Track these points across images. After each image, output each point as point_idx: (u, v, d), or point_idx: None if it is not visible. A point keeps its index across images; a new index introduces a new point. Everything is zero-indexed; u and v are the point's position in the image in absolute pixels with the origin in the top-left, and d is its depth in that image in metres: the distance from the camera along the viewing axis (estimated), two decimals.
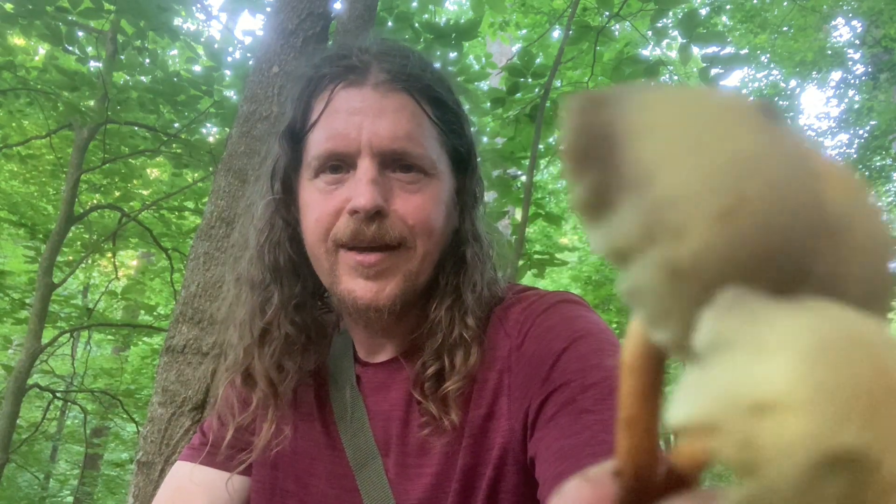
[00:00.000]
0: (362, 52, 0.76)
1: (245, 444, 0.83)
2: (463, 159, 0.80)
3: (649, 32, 3.70)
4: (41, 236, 5.24)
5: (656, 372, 0.21)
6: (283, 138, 0.78)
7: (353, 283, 0.73)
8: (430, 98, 0.76)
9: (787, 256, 0.17)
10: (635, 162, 0.18)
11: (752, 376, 0.15)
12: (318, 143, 0.74)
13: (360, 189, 0.70)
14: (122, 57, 4.11)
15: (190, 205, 5.40)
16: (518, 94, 3.52)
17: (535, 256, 3.78)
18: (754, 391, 0.15)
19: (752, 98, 0.19)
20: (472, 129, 0.83)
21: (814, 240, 0.17)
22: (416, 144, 0.73)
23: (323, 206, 0.73)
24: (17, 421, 4.39)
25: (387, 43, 0.79)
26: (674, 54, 5.94)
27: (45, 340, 4.46)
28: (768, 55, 8.73)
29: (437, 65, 0.83)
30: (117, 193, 5.42)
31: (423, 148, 0.74)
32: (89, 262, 6.21)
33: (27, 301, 5.12)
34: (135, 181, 5.52)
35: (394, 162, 0.73)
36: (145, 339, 6.57)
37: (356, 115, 0.72)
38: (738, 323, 0.16)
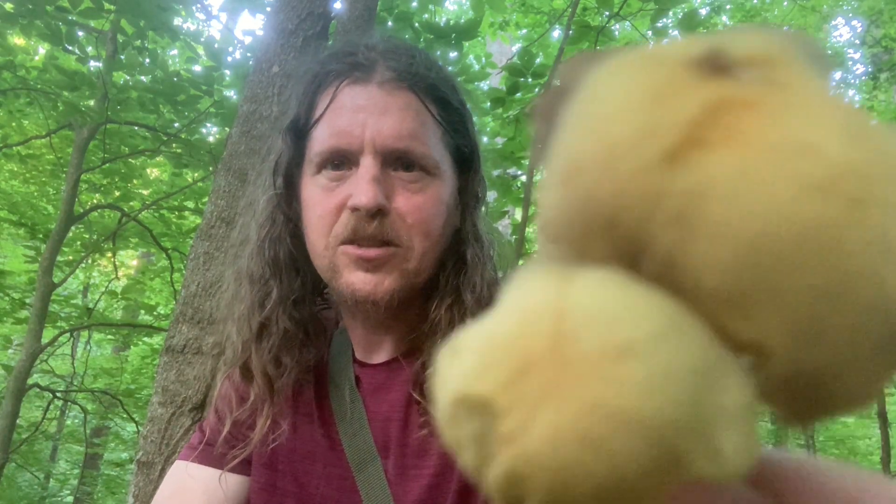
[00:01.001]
0: (369, 49, 0.76)
1: (242, 440, 0.83)
2: (466, 159, 0.80)
3: (649, 32, 3.70)
4: (41, 236, 5.24)
5: None
6: (287, 134, 0.78)
7: (353, 275, 0.73)
8: (435, 97, 0.76)
9: (615, 228, 0.17)
10: (562, 123, 0.19)
11: (471, 326, 0.18)
12: (321, 140, 0.74)
13: (361, 187, 0.70)
14: (122, 57, 4.11)
15: (190, 205, 5.40)
16: (518, 94, 3.53)
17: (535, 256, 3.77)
18: (459, 338, 0.18)
19: (708, 46, 0.17)
20: (475, 129, 0.83)
21: (648, 215, 0.17)
22: (419, 144, 0.73)
23: (325, 202, 0.73)
24: (17, 421, 4.39)
25: (393, 41, 0.79)
26: None
27: (45, 340, 4.46)
28: None
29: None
30: (117, 193, 5.42)
31: (426, 147, 0.74)
32: (89, 262, 6.21)
33: (27, 301, 5.13)
34: (135, 181, 5.52)
35: (396, 160, 0.73)
36: (145, 339, 6.57)
37: (360, 113, 0.72)
38: (516, 280, 0.18)
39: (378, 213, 0.71)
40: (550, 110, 0.20)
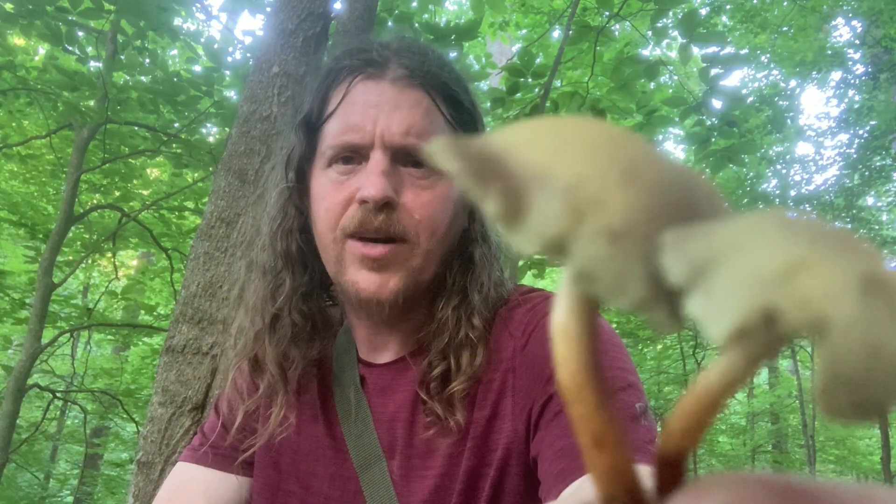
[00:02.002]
0: (383, 47, 0.78)
1: (251, 434, 0.83)
2: None
3: (649, 32, 3.70)
4: (41, 236, 5.24)
5: (605, 386, 0.21)
6: (300, 128, 0.79)
7: (358, 274, 0.73)
8: (446, 96, 0.77)
9: (684, 205, 0.20)
10: (528, 165, 0.20)
11: (762, 260, 0.17)
12: (333, 134, 0.75)
13: (370, 179, 0.71)
14: (122, 57, 4.11)
15: (190, 205, 5.40)
16: (518, 94, 3.53)
17: (535, 256, 3.77)
18: (776, 265, 0.17)
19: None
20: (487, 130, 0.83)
21: (692, 197, 0.20)
22: (427, 141, 0.73)
23: (334, 195, 0.74)
24: (17, 421, 4.39)
25: (407, 40, 0.80)
26: (674, 54, 5.93)
27: (45, 340, 4.45)
28: (768, 55, 8.71)
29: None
30: (117, 193, 5.42)
31: None
32: (89, 262, 6.20)
33: (27, 301, 5.13)
34: (135, 181, 5.52)
35: (405, 157, 0.74)
36: (145, 339, 6.57)
37: (372, 109, 0.73)
38: (702, 243, 0.18)
39: (385, 206, 0.71)
40: (482, 168, 0.20)
